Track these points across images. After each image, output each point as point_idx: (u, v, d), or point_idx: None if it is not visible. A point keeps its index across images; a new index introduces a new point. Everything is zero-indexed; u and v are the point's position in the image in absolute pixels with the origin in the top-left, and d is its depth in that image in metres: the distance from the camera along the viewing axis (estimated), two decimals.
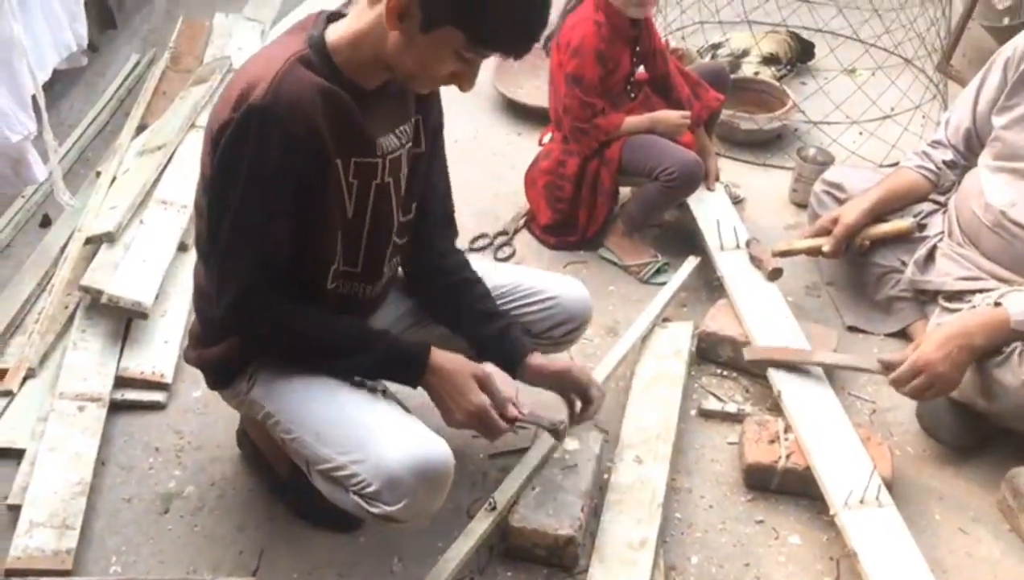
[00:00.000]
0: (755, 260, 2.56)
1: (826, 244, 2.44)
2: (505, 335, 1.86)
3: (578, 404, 1.91)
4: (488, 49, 1.54)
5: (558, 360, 1.97)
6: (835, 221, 2.45)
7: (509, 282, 1.96)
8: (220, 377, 1.84)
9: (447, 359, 1.70)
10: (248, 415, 1.94)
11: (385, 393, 1.75)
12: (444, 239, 1.93)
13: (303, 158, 1.54)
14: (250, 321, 1.66)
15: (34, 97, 2.39)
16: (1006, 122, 2.23)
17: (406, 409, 1.74)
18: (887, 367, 2.09)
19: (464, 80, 1.58)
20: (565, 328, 1.99)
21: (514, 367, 1.83)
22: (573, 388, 1.90)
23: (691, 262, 2.67)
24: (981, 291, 2.20)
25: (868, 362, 2.19)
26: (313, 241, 1.66)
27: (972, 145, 2.39)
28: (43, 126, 2.45)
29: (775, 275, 2.52)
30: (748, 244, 2.62)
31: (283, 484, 2.02)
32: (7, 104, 2.17)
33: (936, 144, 2.47)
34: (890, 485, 1.97)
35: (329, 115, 1.54)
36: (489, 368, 1.72)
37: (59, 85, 2.94)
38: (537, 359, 1.86)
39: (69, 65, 2.79)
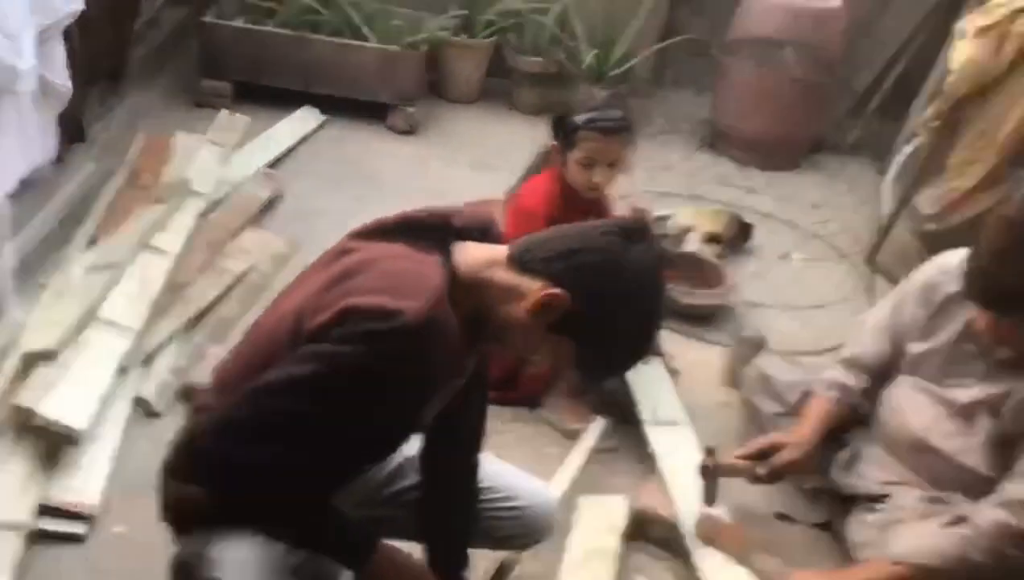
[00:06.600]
0: (707, 472, 2.42)
1: (761, 473, 2.40)
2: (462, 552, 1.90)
3: None
4: (593, 370, 1.64)
5: None
6: (773, 446, 2.41)
7: (487, 480, 1.90)
8: (185, 521, 1.67)
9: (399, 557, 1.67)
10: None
11: None
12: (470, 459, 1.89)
13: (430, 393, 1.52)
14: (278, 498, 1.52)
15: None
16: (925, 350, 2.33)
17: None
18: None
19: (547, 366, 1.67)
20: (522, 541, 2.00)
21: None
22: None
23: (598, 424, 2.74)
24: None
25: None
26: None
27: (888, 370, 2.44)
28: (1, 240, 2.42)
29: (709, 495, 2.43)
30: (708, 452, 2.47)
31: None
32: None
33: (851, 365, 2.47)
34: None
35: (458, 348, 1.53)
36: None
37: None
38: None
39: (33, 177, 2.77)
